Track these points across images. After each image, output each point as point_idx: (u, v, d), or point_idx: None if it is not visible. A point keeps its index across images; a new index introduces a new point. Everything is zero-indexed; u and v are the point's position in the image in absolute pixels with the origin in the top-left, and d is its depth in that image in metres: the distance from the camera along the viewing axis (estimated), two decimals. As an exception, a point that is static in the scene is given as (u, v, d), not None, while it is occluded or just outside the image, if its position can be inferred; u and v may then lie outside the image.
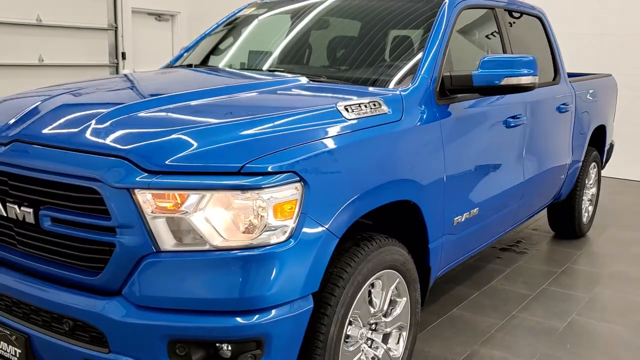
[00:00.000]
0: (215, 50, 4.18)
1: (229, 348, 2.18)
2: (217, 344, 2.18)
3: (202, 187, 2.10)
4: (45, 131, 2.37)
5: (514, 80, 3.13)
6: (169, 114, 2.48)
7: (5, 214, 2.38)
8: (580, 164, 5.27)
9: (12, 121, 2.49)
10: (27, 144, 2.34)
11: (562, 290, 4.47)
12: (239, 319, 2.13)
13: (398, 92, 2.96)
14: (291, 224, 2.19)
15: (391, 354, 2.84)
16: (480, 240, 3.82)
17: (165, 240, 2.13)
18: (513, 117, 3.87)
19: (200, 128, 2.28)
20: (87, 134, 2.29)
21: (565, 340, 3.68)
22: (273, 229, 2.15)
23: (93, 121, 2.34)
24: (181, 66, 4.04)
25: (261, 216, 2.13)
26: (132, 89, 3.13)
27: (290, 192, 2.18)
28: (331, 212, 2.34)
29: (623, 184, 8.14)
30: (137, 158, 2.13)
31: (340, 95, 2.88)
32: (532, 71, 3.16)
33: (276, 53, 3.83)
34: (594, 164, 5.68)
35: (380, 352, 2.77)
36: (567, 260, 5.09)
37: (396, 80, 3.13)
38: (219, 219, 2.12)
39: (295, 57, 3.79)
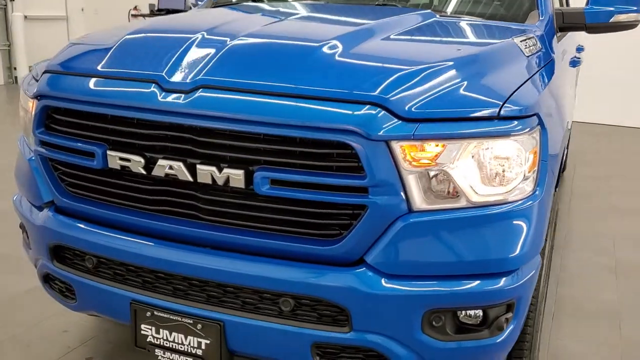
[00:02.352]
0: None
1: (484, 314, 1.95)
2: (471, 311, 1.95)
3: (462, 135, 1.82)
4: (250, 75, 1.93)
5: (622, 17, 3.06)
6: (391, 51, 2.13)
7: (190, 179, 1.93)
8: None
9: (175, 63, 2.00)
10: (225, 90, 1.89)
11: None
12: (501, 282, 1.91)
13: (537, 29, 2.78)
14: (535, 173, 1.98)
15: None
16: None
17: (417, 198, 1.84)
18: (575, 57, 3.84)
19: (441, 68, 1.97)
20: (318, 76, 1.89)
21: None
22: (525, 179, 1.93)
23: (311, 61, 1.94)
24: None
25: (518, 166, 1.90)
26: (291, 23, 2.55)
27: (536, 138, 1.97)
28: (555, 157, 2.17)
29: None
30: (394, 104, 1.79)
31: (492, 31, 2.65)
32: (638, 8, 3.11)
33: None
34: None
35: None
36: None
37: (522, 15, 2.95)
38: (475, 171, 1.87)
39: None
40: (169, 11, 10.41)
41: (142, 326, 2.09)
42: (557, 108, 2.47)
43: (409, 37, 2.34)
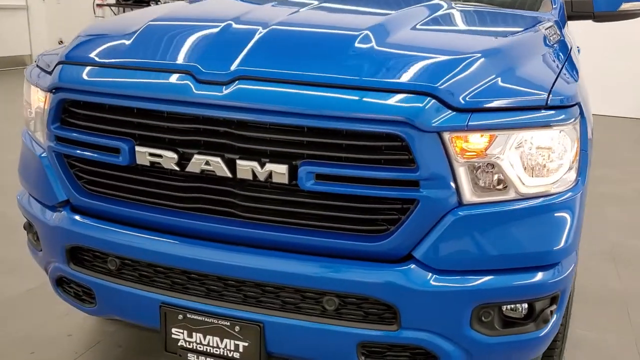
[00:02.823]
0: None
1: (529, 307, 1.92)
2: (517, 305, 1.91)
3: (512, 125, 1.78)
4: (292, 64, 1.83)
5: (628, 6, 3.07)
6: (426, 40, 2.06)
7: (229, 175, 1.84)
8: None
9: (208, 52, 1.89)
10: (266, 81, 1.80)
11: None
12: (549, 274, 1.88)
13: (552, 17, 2.76)
14: (576, 163, 1.95)
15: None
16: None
17: (467, 191, 1.79)
18: (578, 48, 3.84)
19: (484, 57, 1.91)
20: (364, 66, 1.81)
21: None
22: (569, 170, 1.90)
23: (354, 50, 1.86)
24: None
25: (563, 156, 1.87)
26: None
27: (577, 128, 1.94)
28: (591, 147, 2.14)
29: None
30: (446, 94, 1.73)
31: (516, 19, 2.61)
32: (645, -5, 3.12)
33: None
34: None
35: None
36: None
37: (536, 3, 2.92)
38: (523, 162, 1.82)
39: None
40: (135, 1, 10.17)
41: (173, 330, 1.99)
42: (587, 96, 2.45)
43: (436, 27, 2.28)
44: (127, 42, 2.02)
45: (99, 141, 1.97)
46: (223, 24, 2.02)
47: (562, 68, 2.11)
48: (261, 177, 1.80)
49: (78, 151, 2.03)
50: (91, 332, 2.82)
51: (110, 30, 2.23)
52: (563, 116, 1.84)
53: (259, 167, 1.79)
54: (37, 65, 2.30)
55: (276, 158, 1.80)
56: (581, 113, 1.97)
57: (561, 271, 1.91)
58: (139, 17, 2.23)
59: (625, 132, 8.07)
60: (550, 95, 1.83)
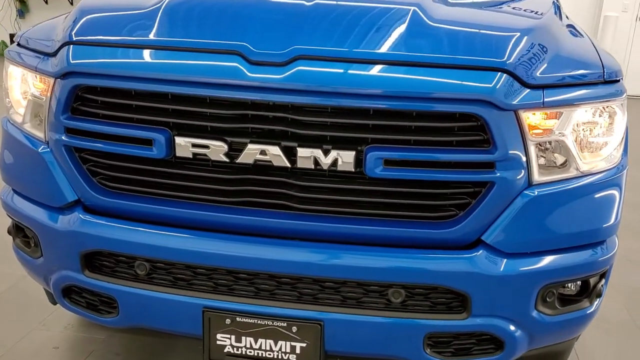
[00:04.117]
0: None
1: (582, 284, 1.92)
2: (571, 283, 1.90)
3: (579, 100, 1.75)
4: (353, 42, 1.68)
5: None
6: (478, 17, 1.97)
7: (288, 164, 1.68)
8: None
9: (258, 29, 1.71)
10: (328, 61, 1.64)
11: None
12: (605, 249, 1.89)
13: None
14: (623, 139, 1.96)
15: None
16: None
17: (535, 170, 1.74)
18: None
19: (538, 33, 1.85)
20: (431, 42, 1.70)
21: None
22: (619, 146, 1.90)
23: (416, 25, 1.74)
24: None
25: (617, 131, 1.87)
26: None
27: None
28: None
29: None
30: (521, 71, 1.66)
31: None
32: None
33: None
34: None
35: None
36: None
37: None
38: (582, 138, 1.80)
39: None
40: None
41: (219, 336, 1.82)
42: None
43: (467, 2, 2.19)
44: (153, 16, 1.78)
45: (125, 132, 1.74)
46: None
47: (594, 45, 2.09)
48: (324, 166, 1.66)
49: (97, 144, 1.78)
50: (80, 342, 2.56)
51: (122, 1, 1.96)
52: (618, 90, 1.83)
53: (322, 155, 1.65)
54: (22, 45, 2.01)
55: (340, 144, 1.66)
56: (623, 88, 1.97)
57: (612, 246, 1.92)
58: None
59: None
60: (605, 70, 1.81)
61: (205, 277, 1.82)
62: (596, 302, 1.94)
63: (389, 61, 1.64)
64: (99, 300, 1.96)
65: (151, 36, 1.75)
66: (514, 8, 2.17)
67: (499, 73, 1.63)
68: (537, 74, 1.68)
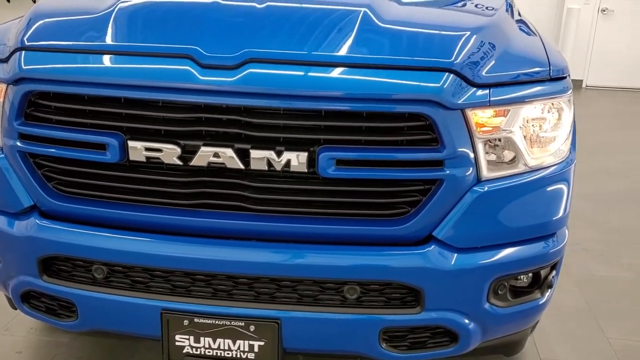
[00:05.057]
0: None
1: (534, 275, 1.98)
2: (523, 275, 1.96)
3: (525, 98, 1.80)
4: (304, 44, 1.71)
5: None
6: (427, 16, 2.00)
7: (241, 166, 1.70)
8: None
9: (208, 32, 1.72)
10: (279, 63, 1.67)
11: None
12: (555, 242, 1.95)
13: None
14: (570, 133, 2.02)
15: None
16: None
17: (484, 167, 1.79)
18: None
19: (487, 31, 1.89)
20: (380, 43, 1.73)
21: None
22: (566, 140, 1.96)
23: (366, 26, 1.76)
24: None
25: (564, 127, 1.92)
26: None
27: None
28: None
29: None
30: (468, 71, 1.70)
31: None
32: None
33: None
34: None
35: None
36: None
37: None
38: (531, 134, 1.85)
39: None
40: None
41: (177, 337, 1.84)
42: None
43: (419, 2, 2.24)
44: (105, 21, 1.79)
45: (79, 137, 1.75)
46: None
47: (542, 41, 2.15)
48: (277, 167, 1.69)
49: (51, 150, 1.79)
50: (43, 346, 2.55)
51: (76, 5, 1.96)
52: (564, 87, 1.88)
53: (275, 156, 1.68)
54: None
55: (293, 145, 1.69)
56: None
57: (562, 238, 1.98)
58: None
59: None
60: (551, 67, 1.86)
61: (162, 280, 1.84)
62: (548, 293, 2.00)
63: (338, 63, 1.67)
64: (57, 304, 1.96)
65: (103, 41, 1.75)
66: (465, 6, 2.22)
67: (446, 73, 1.67)
68: (484, 73, 1.73)
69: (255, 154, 1.68)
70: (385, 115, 1.68)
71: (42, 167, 1.85)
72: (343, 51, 1.69)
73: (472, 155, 1.73)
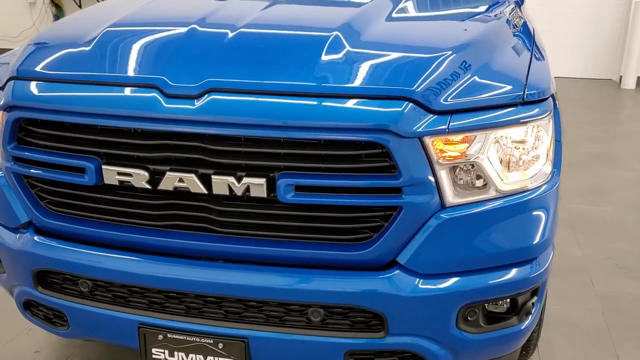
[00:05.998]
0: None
1: (511, 302, 1.94)
2: (499, 301, 1.93)
3: (491, 124, 1.76)
4: (264, 73, 1.76)
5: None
6: (400, 35, 2.01)
7: (204, 191, 1.77)
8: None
9: (174, 63, 1.80)
10: (239, 93, 1.72)
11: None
12: (530, 268, 1.90)
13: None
14: (551, 155, 1.96)
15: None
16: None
17: (449, 193, 1.77)
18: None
19: (457, 53, 1.87)
20: (340, 72, 1.76)
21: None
22: (545, 163, 1.91)
23: (329, 54, 1.80)
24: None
25: (540, 150, 1.87)
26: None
27: (552, 119, 1.95)
28: (560, 132, 2.16)
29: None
30: (425, 97, 1.70)
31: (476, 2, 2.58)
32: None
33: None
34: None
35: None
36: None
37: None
38: (502, 159, 1.82)
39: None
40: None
41: (154, 350, 1.93)
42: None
43: (409, 14, 2.24)
44: (85, 53, 1.91)
45: (62, 161, 1.87)
46: (188, 28, 1.92)
47: (531, 57, 2.10)
48: (238, 192, 1.74)
49: (39, 172, 1.91)
50: (60, 347, 2.73)
51: (65, 38, 2.09)
52: (539, 110, 1.84)
53: (235, 182, 1.73)
54: None
55: (253, 171, 1.74)
56: (554, 103, 1.98)
57: (541, 264, 1.93)
58: (97, 20, 2.09)
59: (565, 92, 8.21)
60: (526, 90, 1.82)
61: (139, 296, 1.94)
62: (527, 320, 1.96)
63: (295, 93, 1.70)
64: (52, 314, 2.10)
65: (81, 71, 1.86)
66: (460, 16, 2.19)
67: (403, 102, 1.68)
68: (446, 100, 1.72)
69: (216, 179, 1.74)
70: (343, 144, 1.70)
71: (35, 187, 1.98)
72: (302, 80, 1.72)
73: (433, 182, 1.73)
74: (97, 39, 1.94)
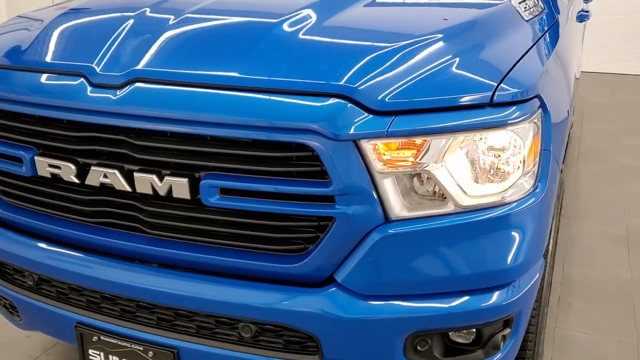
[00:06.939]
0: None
1: (477, 332, 1.68)
2: (462, 331, 1.68)
3: (447, 129, 1.51)
4: (192, 63, 1.61)
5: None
6: (369, 22, 1.81)
7: (128, 188, 1.64)
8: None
9: (107, 51, 1.68)
10: (161, 83, 1.59)
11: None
12: (497, 296, 1.63)
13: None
14: (536, 166, 1.68)
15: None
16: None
17: (395, 205, 1.54)
18: (582, 11, 3.47)
19: (423, 45, 1.64)
20: (272, 63, 1.58)
21: None
22: (525, 175, 1.63)
23: (267, 43, 1.62)
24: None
25: (515, 160, 1.60)
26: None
27: (538, 124, 1.66)
28: (559, 144, 1.86)
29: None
30: (363, 95, 1.48)
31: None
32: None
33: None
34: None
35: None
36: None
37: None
38: (465, 169, 1.56)
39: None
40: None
41: (90, 351, 1.85)
42: (563, 79, 2.15)
43: (396, 0, 2.01)
44: (30, 41, 1.84)
45: (4, 150, 1.80)
46: (132, 14, 1.80)
47: (528, 51, 1.82)
48: (161, 192, 1.60)
49: (-14, 161, 1.86)
50: (70, 348, 2.70)
51: (22, 26, 2.03)
52: (514, 114, 1.56)
53: (157, 181, 1.60)
54: None
55: (177, 170, 1.60)
56: (543, 106, 1.70)
57: (517, 290, 1.66)
58: (54, 11, 2.03)
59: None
60: (498, 90, 1.56)
61: (78, 294, 1.85)
62: (498, 355, 1.70)
63: (220, 85, 1.54)
64: (8, 304, 2.06)
65: (22, 58, 1.79)
66: (443, 6, 1.95)
67: (332, 99, 1.47)
68: (389, 98, 1.49)
69: (138, 176, 1.61)
70: (272, 144, 1.52)
71: None
72: (229, 71, 1.56)
73: (372, 191, 1.51)
74: (44, 27, 1.87)
